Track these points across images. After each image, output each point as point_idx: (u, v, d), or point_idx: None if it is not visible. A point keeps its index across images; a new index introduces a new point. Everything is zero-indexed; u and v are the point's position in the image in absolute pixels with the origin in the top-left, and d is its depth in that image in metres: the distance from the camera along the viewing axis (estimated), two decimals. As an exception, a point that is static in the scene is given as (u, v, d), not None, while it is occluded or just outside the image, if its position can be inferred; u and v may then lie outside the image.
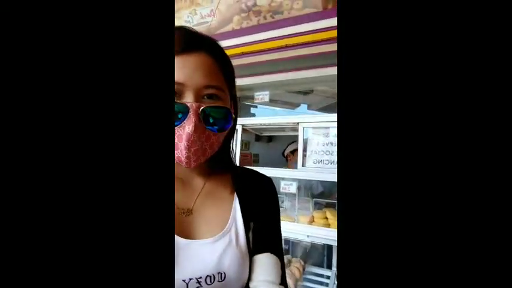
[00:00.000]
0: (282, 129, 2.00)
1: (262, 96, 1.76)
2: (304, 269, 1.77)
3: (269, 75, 1.74)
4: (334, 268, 1.74)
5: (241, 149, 3.03)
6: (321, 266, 1.89)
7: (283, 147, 2.73)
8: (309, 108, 2.69)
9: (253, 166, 2.83)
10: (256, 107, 2.59)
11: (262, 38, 1.48)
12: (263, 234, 0.59)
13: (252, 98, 1.96)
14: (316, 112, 2.65)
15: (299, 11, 1.41)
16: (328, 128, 1.53)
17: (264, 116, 2.46)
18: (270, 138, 3.41)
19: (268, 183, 0.68)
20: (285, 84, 1.81)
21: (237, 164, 0.75)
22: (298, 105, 2.68)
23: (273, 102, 2.65)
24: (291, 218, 1.59)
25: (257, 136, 3.06)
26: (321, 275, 1.75)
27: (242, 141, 3.09)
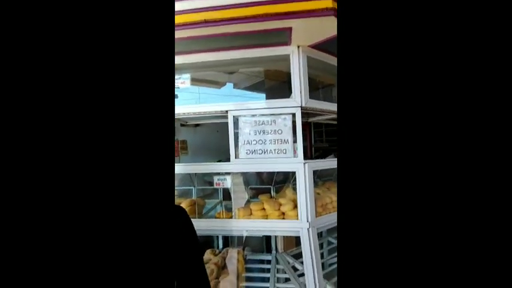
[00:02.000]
0: (209, 117, 1.81)
1: (183, 80, 1.51)
2: (245, 258, 1.74)
3: (189, 55, 1.48)
4: (273, 251, 1.78)
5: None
6: (260, 251, 1.91)
7: (212, 133, 2.55)
8: (234, 87, 2.56)
9: (182, 154, 2.58)
10: (178, 88, 2.30)
11: (179, 9, 1.20)
12: None
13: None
14: (243, 91, 2.54)
15: (219, -21, 1.19)
16: (255, 115, 1.43)
17: (186, 98, 2.20)
18: (197, 124, 3.15)
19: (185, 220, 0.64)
20: (207, 66, 1.58)
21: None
22: (223, 84, 2.51)
23: (195, 81, 2.38)
24: (227, 214, 1.48)
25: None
26: (262, 261, 1.76)
27: (165, 128, 2.72)
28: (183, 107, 1.51)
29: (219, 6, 1.18)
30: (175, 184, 1.92)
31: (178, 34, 1.30)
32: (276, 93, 1.94)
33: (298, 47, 1.39)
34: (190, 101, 1.76)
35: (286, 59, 1.42)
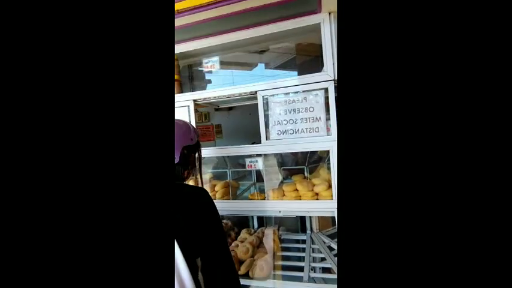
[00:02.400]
0: (240, 99, 1.80)
1: (211, 63, 1.50)
2: (280, 237, 1.76)
3: (215, 37, 1.46)
4: (308, 231, 1.76)
5: (202, 121, 2.78)
6: (295, 231, 1.91)
7: (245, 115, 2.54)
8: (266, 67, 2.48)
9: (217, 138, 2.65)
10: (211, 72, 2.32)
11: (198, -10, 1.17)
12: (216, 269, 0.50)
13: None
14: (275, 71, 2.46)
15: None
16: (288, 93, 1.37)
17: (219, 82, 2.20)
18: (231, 107, 3.18)
19: (205, 200, 0.68)
20: (235, 47, 1.54)
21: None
22: (255, 65, 2.46)
23: (225, 65, 2.37)
24: (261, 195, 1.49)
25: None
26: (297, 240, 1.76)
27: (201, 113, 2.83)
28: (210, 91, 1.51)
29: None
30: (212, 166, 1.99)
31: (202, 16, 1.28)
32: (309, 69, 1.83)
33: (330, 13, 1.26)
34: (223, 85, 1.76)
35: (317, 29, 1.31)
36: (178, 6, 1.26)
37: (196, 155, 1.01)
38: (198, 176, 1.05)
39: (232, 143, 2.09)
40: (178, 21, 1.32)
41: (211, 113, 2.93)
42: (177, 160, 0.87)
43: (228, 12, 1.24)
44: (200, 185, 1.07)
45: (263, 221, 1.88)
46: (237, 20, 1.35)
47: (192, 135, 0.96)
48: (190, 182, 1.24)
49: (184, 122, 1.00)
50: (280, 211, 1.40)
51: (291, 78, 1.34)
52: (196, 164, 1.02)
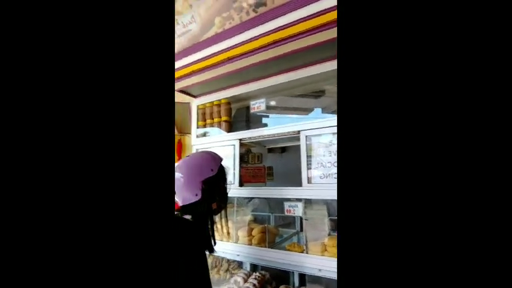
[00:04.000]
0: (295, 138, 1.75)
1: (259, 104, 1.54)
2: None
3: (261, 81, 1.52)
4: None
5: (253, 163, 2.81)
6: (346, 300, 1.56)
7: (298, 158, 2.45)
8: (323, 112, 2.44)
9: (268, 180, 2.59)
10: (268, 116, 2.40)
11: (245, 39, 1.27)
12: None
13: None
14: (329, 115, 2.38)
15: None
16: (335, 134, 1.26)
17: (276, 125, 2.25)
18: (284, 149, 3.15)
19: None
20: (280, 90, 1.57)
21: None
22: (311, 110, 2.45)
23: (282, 109, 2.42)
24: (299, 247, 1.31)
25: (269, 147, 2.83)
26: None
27: (254, 154, 2.87)
28: (254, 130, 1.52)
29: (284, 25, 1.16)
30: (253, 210, 1.91)
31: (249, 61, 1.36)
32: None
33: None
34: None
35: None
36: (228, 54, 1.38)
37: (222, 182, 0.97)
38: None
39: (284, 186, 2.00)
40: (230, 67, 1.43)
41: (264, 155, 2.94)
42: (198, 197, 0.84)
43: (280, 53, 1.28)
44: (224, 220, 1.02)
45: (304, 278, 1.61)
46: (286, 61, 1.38)
47: (212, 165, 0.93)
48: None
49: (202, 154, 0.99)
50: (320, 269, 1.18)
51: (334, 118, 1.25)
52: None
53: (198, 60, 1.46)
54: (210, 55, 1.42)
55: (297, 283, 1.58)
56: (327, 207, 1.53)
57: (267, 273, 1.66)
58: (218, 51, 1.39)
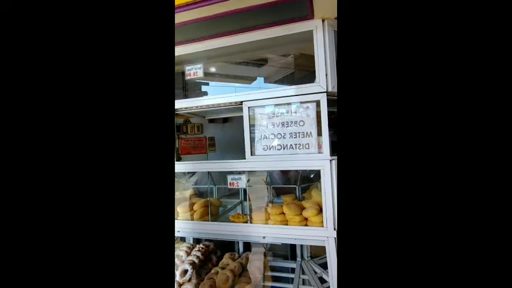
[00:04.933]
0: (237, 109, 1.66)
1: (195, 70, 1.39)
2: (264, 266, 1.57)
3: (198, 43, 1.35)
4: (299, 259, 1.57)
5: (193, 133, 2.64)
6: (285, 257, 1.71)
7: (240, 128, 2.42)
8: (265, 81, 2.40)
9: (210, 151, 2.50)
10: (208, 84, 2.22)
11: (177, -11, 1.07)
12: None
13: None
14: (272, 85, 2.37)
15: None
16: (278, 105, 1.24)
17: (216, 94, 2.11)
18: (226, 119, 3.07)
19: None
20: (220, 55, 1.43)
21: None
22: (253, 79, 2.38)
23: (223, 77, 2.27)
24: (243, 217, 1.33)
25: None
26: (286, 269, 1.57)
27: (193, 124, 2.70)
28: (188, 100, 1.39)
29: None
30: (196, 182, 1.84)
31: (184, 16, 1.17)
32: (307, 83, 1.72)
33: (323, 20, 1.15)
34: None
35: (311, 38, 1.19)
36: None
37: None
38: None
39: (226, 157, 1.95)
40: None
41: (205, 125, 2.81)
42: None
43: (210, 14, 1.13)
44: None
45: (249, 244, 1.69)
46: (222, 24, 1.24)
47: None
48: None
49: None
50: (264, 237, 1.23)
51: (278, 89, 1.22)
52: None
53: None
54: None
55: (241, 249, 1.64)
56: (268, 176, 1.58)
57: (211, 243, 1.67)
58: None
